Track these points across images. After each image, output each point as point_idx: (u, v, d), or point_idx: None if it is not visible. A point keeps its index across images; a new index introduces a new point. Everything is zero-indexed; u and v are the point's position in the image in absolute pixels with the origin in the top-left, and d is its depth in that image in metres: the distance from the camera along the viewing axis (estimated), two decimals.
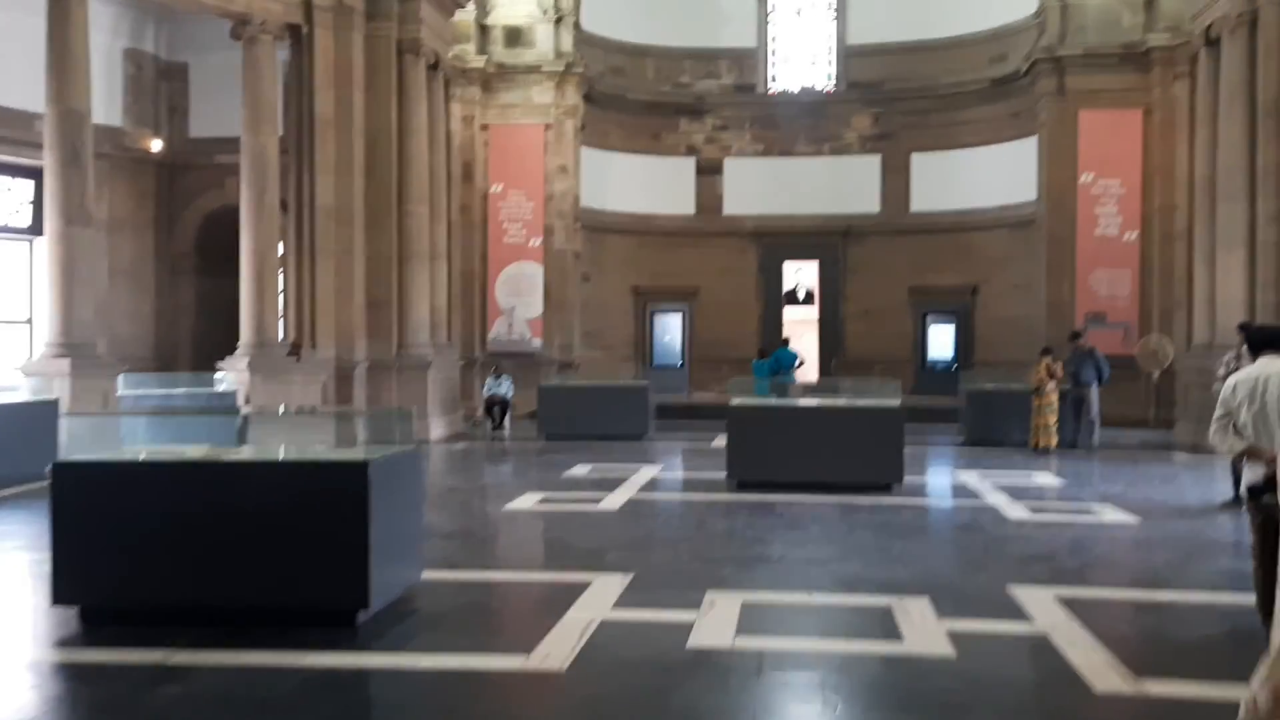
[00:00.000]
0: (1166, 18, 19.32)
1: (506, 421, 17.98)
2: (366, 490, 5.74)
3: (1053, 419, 15.12)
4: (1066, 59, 20.08)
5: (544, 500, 10.41)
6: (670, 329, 24.33)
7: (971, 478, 12.06)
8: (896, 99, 23.57)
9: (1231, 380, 5.38)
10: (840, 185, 23.76)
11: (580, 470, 12.69)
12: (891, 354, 22.86)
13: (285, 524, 5.81)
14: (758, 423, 11.10)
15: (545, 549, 8.55)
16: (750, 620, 5.87)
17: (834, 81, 24.59)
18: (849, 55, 24.35)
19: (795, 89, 24.73)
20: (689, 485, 11.80)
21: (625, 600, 6.34)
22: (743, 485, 10.89)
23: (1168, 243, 19.42)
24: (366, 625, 5.73)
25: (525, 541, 8.83)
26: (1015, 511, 9.68)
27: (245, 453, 6.37)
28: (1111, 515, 9.54)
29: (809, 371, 21.64)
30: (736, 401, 11.48)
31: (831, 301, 24.23)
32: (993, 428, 15.88)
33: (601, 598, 6.37)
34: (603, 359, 22.50)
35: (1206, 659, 5.35)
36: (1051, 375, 15.17)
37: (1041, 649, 5.37)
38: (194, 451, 6.30)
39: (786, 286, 24.56)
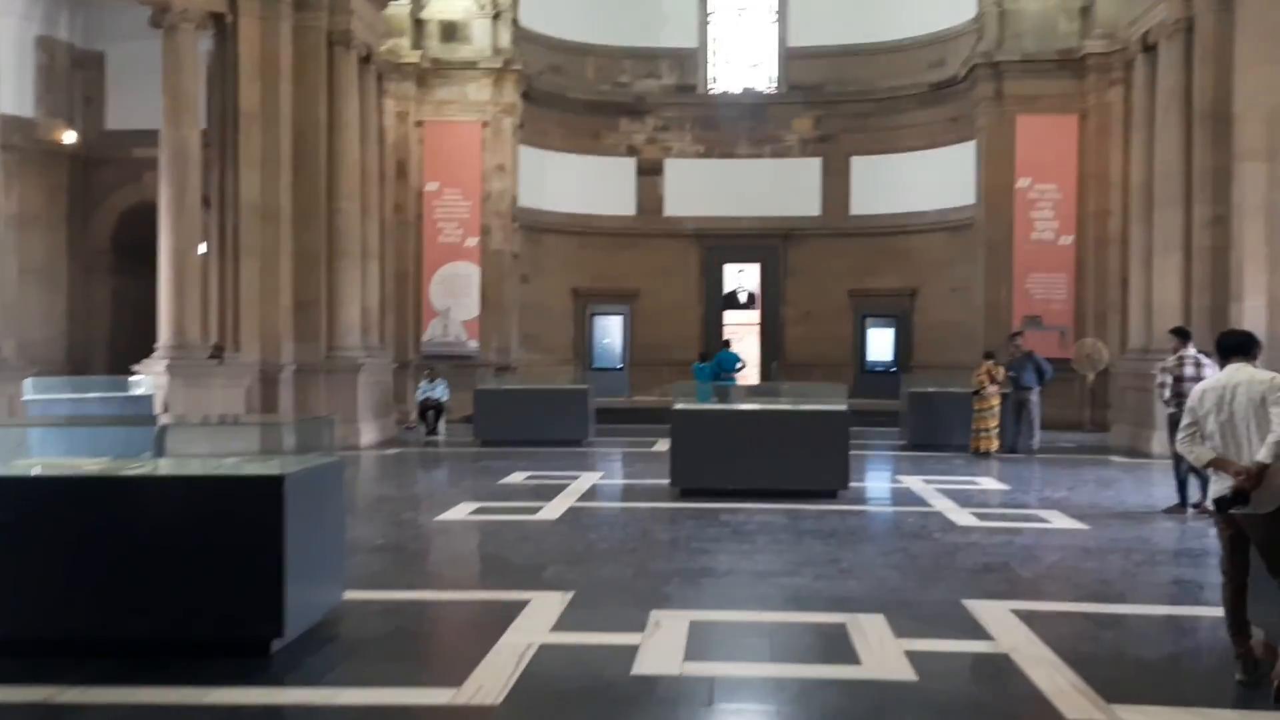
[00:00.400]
0: (1102, 24, 19.46)
1: (441, 426, 17.45)
2: (281, 507, 5.27)
3: (993, 423, 15.04)
4: (1004, 64, 20.15)
5: (479, 510, 9.96)
6: (610, 331, 23.96)
7: (915, 483, 11.88)
8: (837, 102, 23.50)
9: (1199, 388, 5.16)
10: (781, 188, 23.62)
11: (517, 477, 12.26)
12: (831, 357, 22.77)
13: (191, 545, 5.31)
14: (702, 428, 10.78)
15: (479, 564, 8.10)
16: (699, 642, 5.52)
17: (775, 84, 24.45)
18: (790, 58, 24.23)
19: (736, 90, 24.54)
20: (630, 493, 11.43)
21: (565, 621, 5.94)
22: (686, 492, 10.56)
23: (1102, 247, 19.57)
24: (281, 655, 5.25)
25: (458, 556, 8.37)
26: (963, 518, 9.48)
27: (146, 467, 5.84)
28: (1059, 521, 9.39)
29: (750, 374, 21.42)
30: (680, 406, 11.14)
31: (772, 304, 24.08)
32: (934, 431, 15.76)
33: (539, 619, 5.97)
34: (541, 362, 22.06)
35: (1175, 680, 5.10)
36: (993, 380, 15.09)
37: (1005, 671, 5.09)
38: (91, 465, 5.76)
39: (727, 289, 24.36)
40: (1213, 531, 8.86)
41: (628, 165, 23.98)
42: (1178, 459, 9.75)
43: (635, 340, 23.77)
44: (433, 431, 17.33)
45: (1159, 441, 13.94)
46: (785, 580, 7.01)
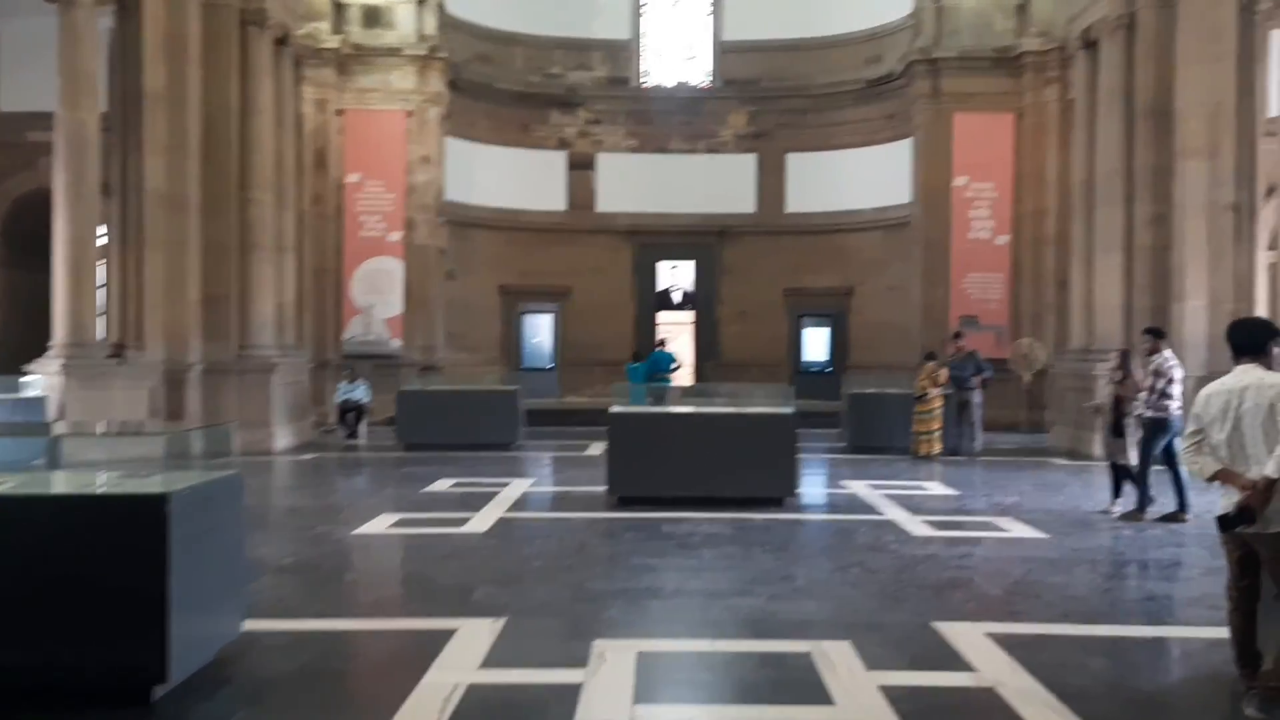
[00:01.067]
0: (1038, 23, 19.32)
1: (362, 429, 16.57)
2: (164, 531, 4.52)
3: (936, 425, 14.68)
4: (941, 61, 19.91)
5: (401, 522, 9.21)
6: (540, 330, 23.24)
7: (862, 488, 11.42)
8: (772, 98, 23.08)
9: (1205, 393, 4.64)
10: (716, 184, 23.12)
11: (442, 485, 11.50)
12: (767, 356, 22.34)
13: (59, 576, 4.52)
14: (641, 432, 10.16)
15: (400, 586, 7.36)
16: (649, 678, 4.89)
17: (710, 78, 23.95)
18: (725, 51, 23.77)
19: (670, 84, 23.98)
20: (565, 501, 10.75)
21: (497, 655, 5.26)
22: (624, 501, 9.93)
23: (1038, 247, 19.44)
24: (165, 703, 4.50)
25: (377, 576, 7.62)
26: (918, 528, 8.99)
27: (7, 483, 5.02)
28: (1017, 530, 8.96)
29: (685, 375, 20.88)
30: (618, 409, 10.49)
31: (707, 303, 23.58)
32: (875, 433, 15.36)
33: (468, 652, 5.28)
34: (468, 361, 21.23)
35: (1179, 717, 4.62)
36: (935, 383, 14.73)
37: (993, 709, 4.54)
38: None
39: (661, 287, 23.78)
40: (1157, 535, 8.56)
41: (558, 159, 23.27)
42: (1145, 462, 9.44)
43: (566, 339, 23.08)
44: (353, 435, 16.45)
45: (1100, 444, 13.67)
46: (738, 601, 6.41)
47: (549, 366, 22.96)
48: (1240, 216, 14.01)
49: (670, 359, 17.58)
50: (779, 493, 10.03)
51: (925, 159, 20.23)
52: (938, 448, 14.56)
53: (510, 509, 9.93)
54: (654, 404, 12.01)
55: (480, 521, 9.17)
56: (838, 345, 22.83)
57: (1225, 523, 4.49)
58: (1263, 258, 14.03)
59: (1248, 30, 14.00)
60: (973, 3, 19.98)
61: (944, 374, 14.83)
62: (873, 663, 5.11)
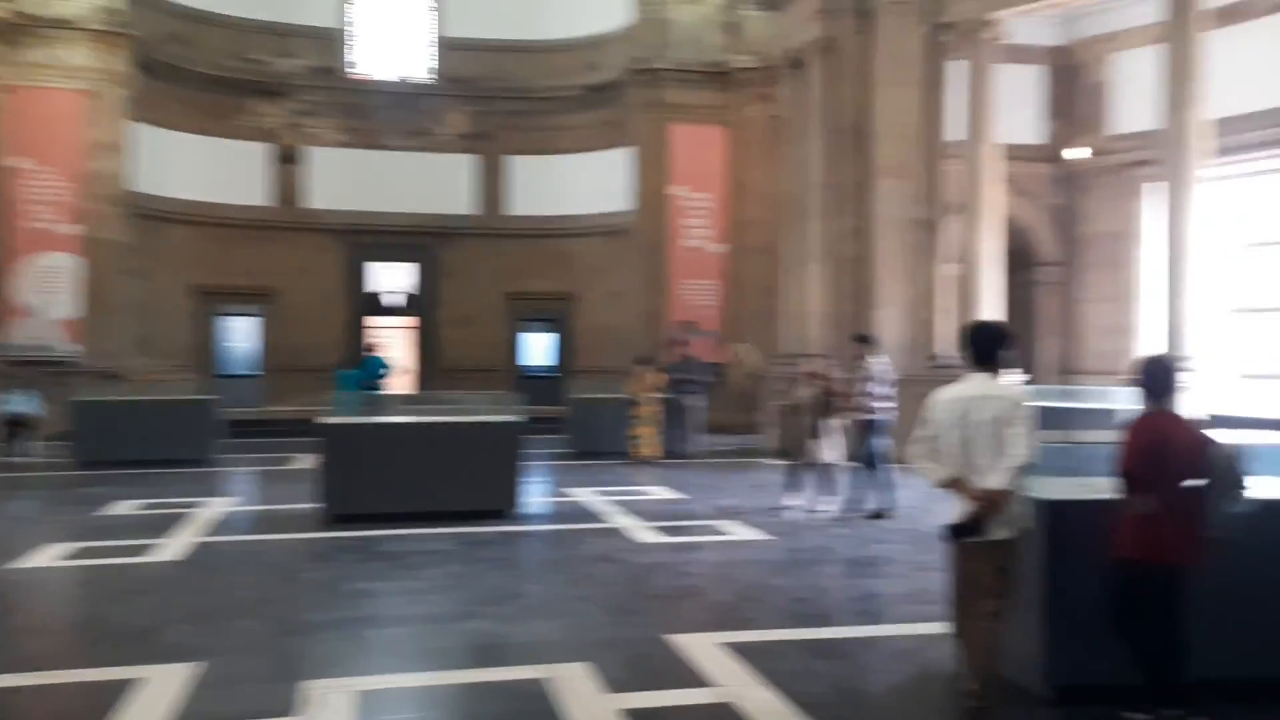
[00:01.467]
0: (749, 41, 20.19)
1: (30, 446, 14.64)
2: None
3: (652, 429, 14.88)
4: (659, 73, 20.36)
5: (73, 553, 8.08)
6: (241, 334, 21.59)
7: (587, 495, 11.29)
8: (493, 98, 22.70)
9: (937, 398, 4.68)
10: (435, 184, 22.45)
11: (125, 507, 10.28)
12: (488, 362, 21.94)
13: None
14: (356, 443, 9.49)
15: (73, 630, 6.35)
16: None
17: (429, 74, 23.23)
18: (446, 48, 23.11)
19: (388, 77, 23.01)
20: (270, 522, 9.85)
21: (193, 707, 4.58)
22: (338, 519, 9.23)
23: (750, 255, 20.27)
24: None
25: (43, 619, 6.56)
26: (645, 535, 8.93)
27: None
28: (740, 532, 9.10)
29: (404, 381, 20.10)
30: (330, 419, 9.75)
31: (427, 306, 22.83)
32: (598, 438, 15.36)
33: (157, 705, 4.57)
34: (158, 368, 19.31)
35: (907, 717, 4.71)
36: (648, 387, 14.92)
37: None
38: None
39: (377, 289, 22.77)
40: (868, 533, 9.00)
41: (261, 151, 21.74)
42: (870, 463, 9.87)
43: (271, 344, 21.57)
44: (17, 453, 14.49)
45: (780, 440, 14.24)
46: (467, 625, 6.01)
47: (251, 373, 21.37)
48: (926, 231, 15.16)
49: (380, 364, 16.79)
50: (504, 504, 9.69)
51: (643, 167, 20.60)
52: (655, 451, 14.76)
53: (206, 533, 8.98)
54: (369, 413, 11.30)
55: (171, 549, 8.21)
56: (562, 350, 22.79)
57: (954, 532, 4.56)
58: (949, 270, 15.16)
59: (932, 59, 15.18)
60: (689, 18, 20.57)
61: (657, 378, 15.07)
62: (611, 685, 4.89)
